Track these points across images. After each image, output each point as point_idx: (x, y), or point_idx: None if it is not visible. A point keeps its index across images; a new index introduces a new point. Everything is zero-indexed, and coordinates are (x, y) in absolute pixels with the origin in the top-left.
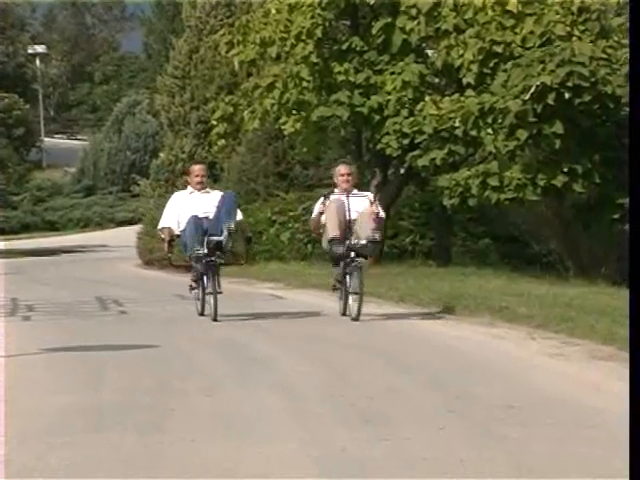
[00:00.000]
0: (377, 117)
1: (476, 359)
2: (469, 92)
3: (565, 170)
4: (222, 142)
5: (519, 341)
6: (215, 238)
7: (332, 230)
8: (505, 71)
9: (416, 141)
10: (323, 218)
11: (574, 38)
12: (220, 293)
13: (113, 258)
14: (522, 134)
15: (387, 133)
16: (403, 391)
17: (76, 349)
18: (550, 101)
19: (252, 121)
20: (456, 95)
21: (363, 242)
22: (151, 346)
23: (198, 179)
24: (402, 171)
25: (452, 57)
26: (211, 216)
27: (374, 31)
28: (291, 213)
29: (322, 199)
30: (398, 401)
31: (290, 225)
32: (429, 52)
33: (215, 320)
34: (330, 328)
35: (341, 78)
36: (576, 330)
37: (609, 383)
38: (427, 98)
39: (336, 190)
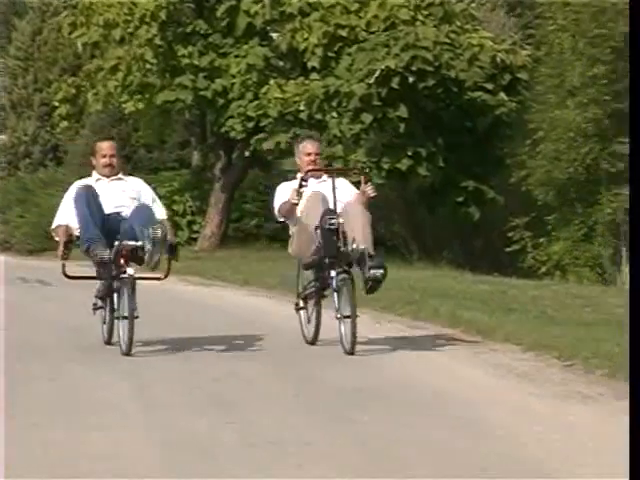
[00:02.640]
0: (221, 100)
1: (322, 342)
2: (314, 76)
3: (409, 153)
4: (65, 124)
5: (365, 324)
6: (131, 243)
7: (307, 252)
8: (350, 55)
9: (261, 124)
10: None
11: (418, 23)
12: (136, 318)
13: None
14: (367, 118)
15: (232, 116)
16: (249, 376)
17: None
18: (394, 85)
19: (95, 103)
20: (301, 79)
21: (362, 247)
22: None
23: (105, 160)
24: (247, 154)
25: (297, 41)
26: (126, 212)
27: (218, 14)
28: None
29: (296, 184)
30: (244, 385)
31: None
32: (274, 35)
33: (128, 354)
34: (183, 316)
35: (185, 61)
36: (420, 313)
37: (453, 365)
38: (272, 81)
39: (299, 174)
